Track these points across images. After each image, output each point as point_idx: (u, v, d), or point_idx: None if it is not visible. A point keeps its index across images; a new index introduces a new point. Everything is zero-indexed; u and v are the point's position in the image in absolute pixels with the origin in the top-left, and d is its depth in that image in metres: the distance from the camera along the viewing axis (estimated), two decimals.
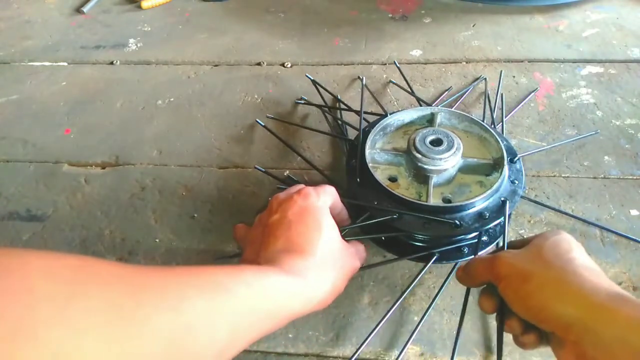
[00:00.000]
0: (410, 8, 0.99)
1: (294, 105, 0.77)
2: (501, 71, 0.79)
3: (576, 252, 0.37)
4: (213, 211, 0.62)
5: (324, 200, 0.44)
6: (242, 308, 0.33)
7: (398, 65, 0.81)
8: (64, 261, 0.28)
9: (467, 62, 0.83)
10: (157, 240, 0.59)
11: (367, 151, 0.56)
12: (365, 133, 0.58)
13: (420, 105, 0.71)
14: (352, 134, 0.67)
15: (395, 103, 0.76)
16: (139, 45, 0.93)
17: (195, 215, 0.62)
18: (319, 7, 1.01)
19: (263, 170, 0.64)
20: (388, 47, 0.88)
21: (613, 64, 0.81)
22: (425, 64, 0.84)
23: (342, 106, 0.73)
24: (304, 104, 0.76)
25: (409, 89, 0.75)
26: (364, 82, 0.74)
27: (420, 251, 0.54)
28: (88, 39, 0.95)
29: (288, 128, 0.72)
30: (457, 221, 0.49)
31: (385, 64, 0.84)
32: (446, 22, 0.94)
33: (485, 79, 0.78)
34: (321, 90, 0.76)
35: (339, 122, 0.70)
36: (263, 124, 0.70)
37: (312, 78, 0.78)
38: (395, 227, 0.50)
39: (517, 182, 0.54)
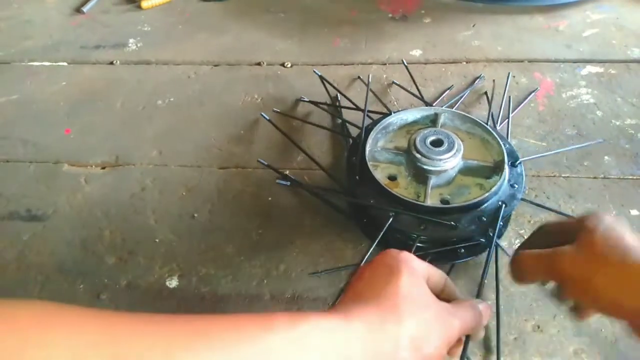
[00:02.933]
0: (410, 8, 0.99)
1: (294, 105, 0.77)
2: (509, 73, 0.78)
3: (627, 238, 0.36)
4: (213, 211, 0.62)
5: (408, 255, 0.38)
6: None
7: (406, 64, 0.81)
8: (27, 307, 0.27)
9: (467, 62, 0.83)
10: (157, 240, 0.59)
11: (368, 149, 0.56)
12: (367, 131, 0.58)
13: (426, 106, 0.71)
14: (354, 132, 0.67)
15: (396, 103, 0.76)
16: (139, 45, 0.93)
17: (195, 215, 0.62)
18: (319, 7, 1.01)
19: (266, 164, 0.64)
20: (388, 47, 0.88)
21: (613, 64, 0.81)
22: (425, 64, 0.84)
23: (346, 104, 0.73)
24: (308, 102, 0.76)
25: (415, 89, 0.75)
26: (369, 80, 0.74)
27: (415, 251, 0.54)
28: (88, 39, 0.95)
29: (289, 128, 0.72)
30: (453, 223, 0.49)
31: (385, 64, 0.84)
32: (446, 22, 0.94)
33: (484, 78, 0.78)
34: (328, 87, 0.77)
35: (342, 120, 0.70)
36: (268, 118, 0.71)
37: (319, 74, 0.78)
38: (392, 227, 0.50)
39: (516, 185, 0.54)
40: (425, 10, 0.98)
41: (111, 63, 0.89)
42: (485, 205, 0.51)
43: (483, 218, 0.50)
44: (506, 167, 0.53)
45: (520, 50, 0.85)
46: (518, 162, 0.56)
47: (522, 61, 0.83)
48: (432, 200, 0.52)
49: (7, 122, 0.78)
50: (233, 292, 0.54)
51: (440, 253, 0.53)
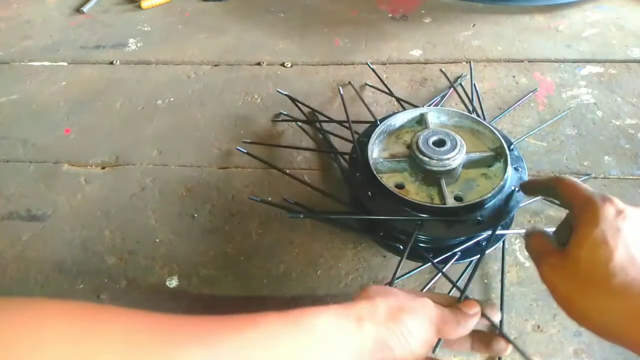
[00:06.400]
0: (410, 8, 0.99)
1: (292, 107, 0.76)
2: (470, 61, 0.80)
3: (616, 261, 0.33)
4: (213, 211, 0.62)
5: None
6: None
7: (371, 66, 0.80)
8: (80, 304, 0.29)
9: (467, 62, 0.83)
10: (157, 240, 0.59)
11: (370, 162, 0.54)
12: (361, 144, 0.57)
13: (403, 107, 0.70)
14: (338, 144, 0.66)
15: (375, 104, 0.76)
16: (139, 45, 0.93)
17: (195, 215, 0.62)
18: (319, 7, 1.01)
19: (258, 200, 0.61)
20: (388, 47, 0.88)
21: (613, 64, 0.81)
22: (425, 63, 0.84)
23: (325, 119, 0.70)
24: (282, 120, 0.73)
25: (387, 90, 0.74)
26: (342, 92, 0.71)
27: (437, 253, 0.53)
28: (88, 39, 0.95)
29: (278, 140, 0.72)
30: (479, 217, 0.49)
31: (385, 64, 0.84)
32: (446, 22, 0.94)
33: (465, 76, 0.78)
34: (300, 105, 0.73)
35: (323, 134, 0.68)
36: (245, 151, 0.65)
37: (285, 93, 0.74)
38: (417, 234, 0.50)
39: (520, 169, 0.54)
40: (425, 10, 0.98)
41: (111, 63, 0.89)
42: (501, 193, 0.51)
43: (502, 206, 0.50)
44: (507, 152, 0.54)
45: (520, 50, 0.85)
46: (512, 145, 0.56)
47: (522, 61, 0.83)
48: (449, 200, 0.51)
49: (7, 122, 0.78)
50: (233, 292, 0.54)
51: (466, 250, 0.54)
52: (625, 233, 0.34)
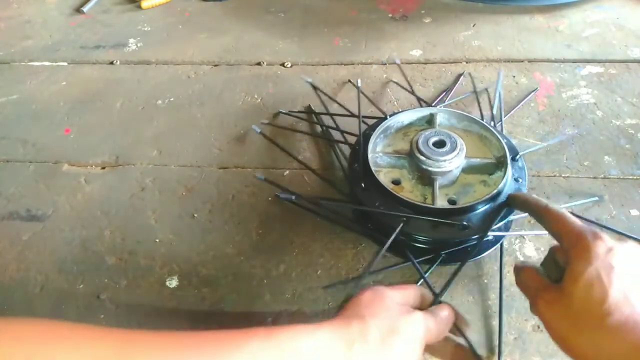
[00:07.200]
0: (410, 8, 0.99)
1: (293, 105, 0.76)
2: (501, 70, 0.79)
3: (611, 299, 0.33)
4: (213, 211, 0.62)
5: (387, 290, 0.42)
6: None
7: (399, 63, 0.80)
8: (35, 325, 0.30)
9: (467, 62, 0.83)
10: (157, 240, 0.59)
11: (369, 155, 0.55)
12: (365, 137, 0.58)
13: (422, 106, 0.71)
14: (350, 138, 0.66)
15: (396, 103, 0.76)
16: (139, 45, 0.93)
17: (195, 215, 0.62)
18: (319, 7, 1.01)
19: (263, 178, 0.62)
20: (388, 47, 0.88)
21: (613, 64, 0.81)
22: (425, 63, 0.84)
23: (340, 111, 0.71)
24: (287, 114, 0.74)
25: (409, 89, 0.75)
26: (359, 85, 0.73)
27: (425, 254, 0.53)
28: (88, 39, 0.95)
29: (285, 133, 0.72)
30: (464, 222, 0.49)
31: (385, 64, 0.84)
32: (446, 22, 0.94)
33: (469, 74, 0.78)
34: (320, 93, 0.75)
35: (326, 127, 0.69)
36: (259, 131, 0.69)
37: (308, 80, 0.77)
38: (402, 231, 0.50)
39: (520, 179, 0.54)
40: (425, 10, 0.98)
41: (111, 63, 0.89)
42: (495, 201, 0.51)
43: (492, 215, 0.50)
44: (509, 161, 0.53)
45: (520, 50, 0.85)
46: (518, 156, 0.56)
47: (522, 61, 0.83)
48: (439, 201, 0.51)
49: (7, 122, 0.78)
50: (233, 292, 0.54)
51: (451, 254, 0.53)
52: (617, 270, 0.34)
